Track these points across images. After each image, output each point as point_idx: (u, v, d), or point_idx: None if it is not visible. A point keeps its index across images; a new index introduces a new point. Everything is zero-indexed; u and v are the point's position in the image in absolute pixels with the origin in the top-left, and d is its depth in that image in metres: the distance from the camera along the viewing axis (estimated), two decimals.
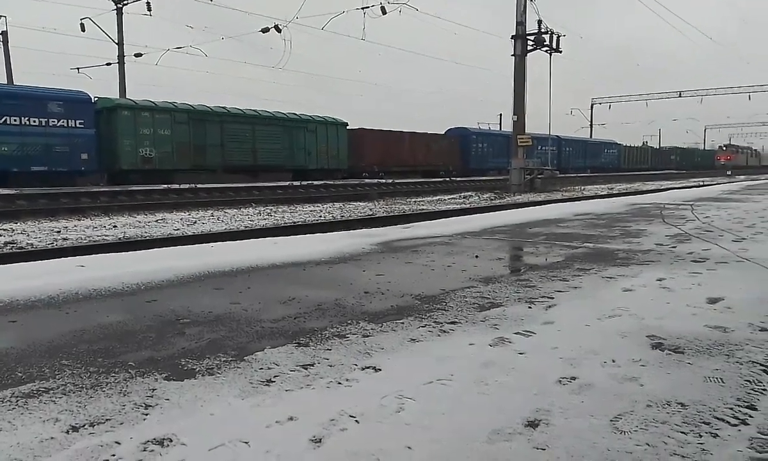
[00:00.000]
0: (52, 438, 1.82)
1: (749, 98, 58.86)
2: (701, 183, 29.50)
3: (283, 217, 13.54)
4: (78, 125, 20.69)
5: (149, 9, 28.31)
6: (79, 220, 12.66)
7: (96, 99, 22.14)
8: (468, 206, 16.46)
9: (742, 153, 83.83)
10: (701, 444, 1.76)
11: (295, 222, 12.06)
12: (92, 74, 31.33)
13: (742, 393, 2.15)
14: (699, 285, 4.04)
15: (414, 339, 2.83)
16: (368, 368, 2.44)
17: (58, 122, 20.21)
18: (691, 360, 2.51)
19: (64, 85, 21.98)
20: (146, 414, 2.00)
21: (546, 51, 24.91)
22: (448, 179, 30.94)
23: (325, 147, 29.45)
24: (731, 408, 2.01)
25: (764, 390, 2.19)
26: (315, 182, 24.19)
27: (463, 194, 22.69)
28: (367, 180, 28.46)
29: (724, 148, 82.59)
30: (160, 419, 1.96)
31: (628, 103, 63.92)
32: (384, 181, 27.49)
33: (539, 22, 24.35)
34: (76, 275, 4.36)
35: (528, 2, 23.87)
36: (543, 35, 24.45)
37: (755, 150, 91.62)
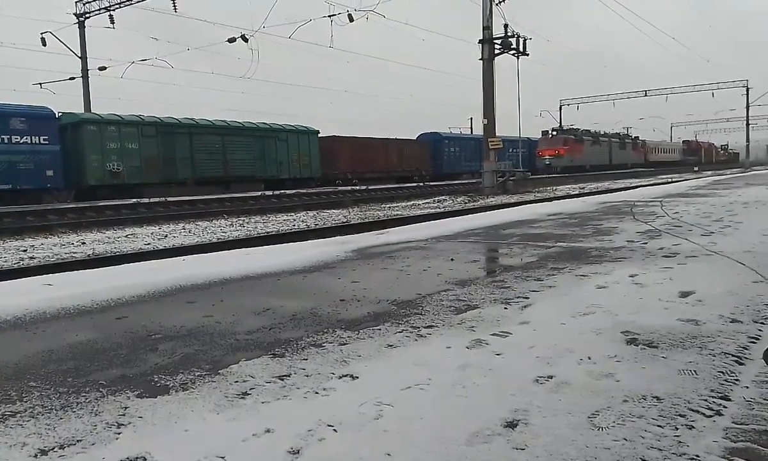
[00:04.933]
0: None
1: (713, 95, 60.23)
2: (669, 180, 30.13)
3: (256, 227, 13.42)
4: (42, 142, 20.31)
5: (112, 21, 28.00)
6: (46, 238, 12.38)
7: (60, 114, 21.74)
8: (442, 210, 16.51)
9: (601, 143, 51.30)
10: (677, 436, 1.78)
11: (268, 232, 11.96)
12: (56, 89, 30.71)
13: (715, 385, 2.18)
14: (670, 280, 4.10)
15: (391, 345, 2.81)
16: (345, 376, 2.41)
17: (21, 138, 19.80)
18: (665, 354, 2.53)
19: (27, 101, 21.55)
20: (119, 433, 1.94)
21: (513, 54, 25.28)
22: (421, 183, 31.06)
23: (296, 156, 29.36)
24: (705, 400, 2.04)
25: (737, 380, 2.22)
26: (288, 192, 24.09)
27: (436, 198, 22.76)
28: (340, 188, 28.42)
29: (552, 134, 47.71)
30: (133, 437, 1.91)
31: (595, 104, 64.84)
32: (357, 188, 27.48)
33: (505, 26, 24.81)
34: (44, 294, 4.25)
35: (494, 7, 24.18)
36: (509, 39, 24.84)
37: (635, 139, 59.26)
